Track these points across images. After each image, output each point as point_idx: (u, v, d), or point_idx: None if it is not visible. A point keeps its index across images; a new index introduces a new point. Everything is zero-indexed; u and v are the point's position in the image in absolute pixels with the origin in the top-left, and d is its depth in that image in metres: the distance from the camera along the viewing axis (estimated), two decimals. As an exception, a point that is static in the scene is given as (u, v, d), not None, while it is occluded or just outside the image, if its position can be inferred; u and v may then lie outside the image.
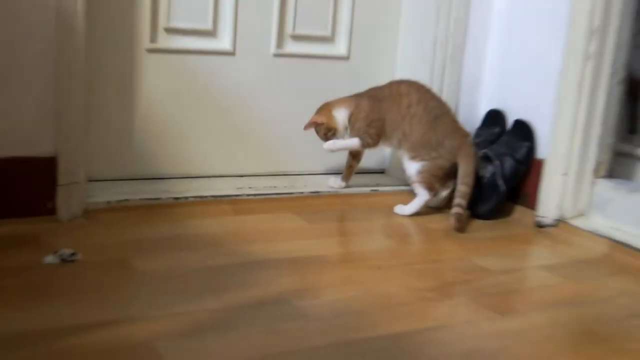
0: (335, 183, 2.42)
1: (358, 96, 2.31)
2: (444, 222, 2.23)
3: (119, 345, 1.33)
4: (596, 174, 2.23)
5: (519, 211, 2.36)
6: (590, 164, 2.22)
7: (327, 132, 2.27)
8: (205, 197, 2.20)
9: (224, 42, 2.33)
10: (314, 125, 2.27)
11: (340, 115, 2.28)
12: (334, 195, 2.40)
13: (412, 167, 2.29)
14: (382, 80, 2.42)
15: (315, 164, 2.45)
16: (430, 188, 2.26)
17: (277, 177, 2.47)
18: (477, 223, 2.26)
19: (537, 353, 1.44)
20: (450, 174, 2.26)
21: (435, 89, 2.47)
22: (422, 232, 2.15)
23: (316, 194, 2.37)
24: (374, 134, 2.28)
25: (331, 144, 2.27)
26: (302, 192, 2.36)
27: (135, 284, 1.61)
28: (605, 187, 2.21)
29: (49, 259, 1.66)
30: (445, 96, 2.48)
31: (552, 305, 1.68)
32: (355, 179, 2.49)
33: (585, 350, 1.46)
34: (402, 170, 2.36)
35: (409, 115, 2.26)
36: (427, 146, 2.25)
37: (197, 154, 2.34)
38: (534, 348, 1.45)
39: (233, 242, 1.91)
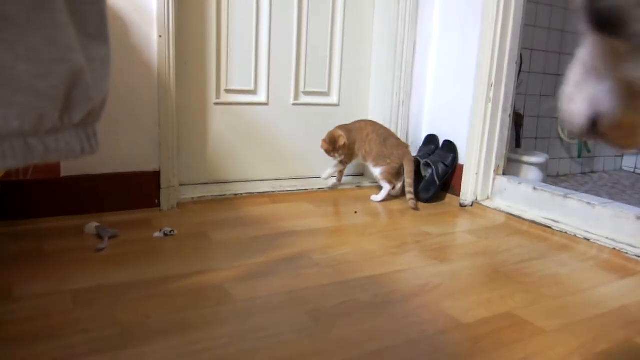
0: (325, 174, 2.40)
1: (340, 128, 2.31)
2: (401, 205, 2.23)
3: (203, 287, 1.33)
4: (496, 172, 2.23)
5: (449, 197, 2.35)
6: (492, 167, 2.22)
7: (343, 148, 2.27)
8: (253, 193, 2.20)
9: (261, 96, 2.32)
10: (344, 145, 2.27)
11: None
12: (332, 190, 2.39)
13: (376, 171, 2.30)
14: (361, 118, 2.42)
15: (320, 170, 2.43)
16: (390, 182, 2.27)
17: (297, 179, 2.46)
18: (423, 205, 2.26)
19: (464, 284, 1.43)
20: (400, 173, 2.28)
21: (393, 121, 2.48)
22: (388, 212, 2.15)
23: (321, 190, 2.37)
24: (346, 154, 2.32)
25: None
26: (312, 189, 2.35)
27: (212, 248, 1.61)
28: (502, 181, 2.21)
29: (157, 234, 1.67)
30: (400, 126, 2.49)
31: (471, 255, 1.68)
32: (345, 179, 2.49)
33: (494, 282, 1.46)
34: (372, 174, 2.35)
35: (368, 140, 2.28)
36: (382, 157, 2.27)
37: (247, 166, 2.34)
38: (462, 282, 1.45)
39: (271, 220, 1.92)
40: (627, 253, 1.66)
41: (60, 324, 1.10)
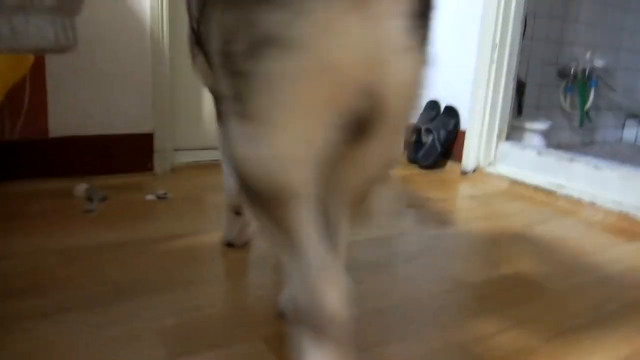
0: None
1: None
2: (401, 171, 2.18)
3: (198, 246, 1.28)
4: (499, 137, 2.16)
5: (451, 164, 2.29)
6: (495, 132, 2.15)
7: None
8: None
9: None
10: None
11: None
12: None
13: None
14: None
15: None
16: None
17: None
18: (423, 172, 2.20)
19: (468, 247, 1.39)
20: None
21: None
22: (393, 178, 2.09)
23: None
24: None
25: None
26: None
27: (207, 211, 1.56)
28: (506, 146, 2.15)
29: (150, 196, 1.61)
30: (401, 92, 2.41)
31: (475, 219, 1.63)
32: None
33: (499, 245, 1.41)
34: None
35: None
36: None
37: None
38: (466, 244, 1.41)
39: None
40: (634, 216, 1.61)
41: (49, 280, 1.04)
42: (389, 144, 0.65)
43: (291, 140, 0.58)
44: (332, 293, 0.67)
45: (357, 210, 0.76)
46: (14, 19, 0.43)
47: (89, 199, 1.54)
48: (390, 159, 0.70)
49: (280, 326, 0.93)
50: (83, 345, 0.83)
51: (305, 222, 0.64)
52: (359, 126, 0.59)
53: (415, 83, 0.63)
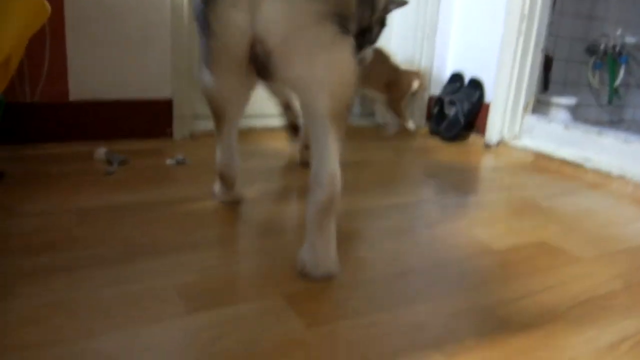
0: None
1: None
2: (423, 142, 2.14)
3: (215, 209, 1.28)
4: (525, 111, 2.10)
5: (474, 137, 2.24)
6: (521, 104, 2.09)
7: None
8: (269, 127, 2.11)
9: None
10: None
11: None
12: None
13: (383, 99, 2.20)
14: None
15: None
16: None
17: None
18: (445, 144, 2.15)
19: (492, 215, 1.35)
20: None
21: (416, 57, 2.35)
22: (407, 148, 2.04)
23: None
24: None
25: None
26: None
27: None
28: (531, 119, 2.09)
29: (169, 161, 1.60)
30: (423, 62, 2.36)
31: (498, 189, 1.59)
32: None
33: (524, 214, 1.37)
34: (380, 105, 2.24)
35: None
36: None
37: (264, 100, 2.23)
38: (489, 212, 1.37)
39: (287, 153, 1.84)
40: (666, 190, 1.55)
41: (65, 238, 1.04)
42: (288, 68, 0.92)
43: (222, 80, 1.06)
44: (223, 156, 1.24)
45: (337, 124, 0.99)
46: None
47: (109, 162, 1.54)
48: (333, 80, 0.93)
49: (300, 284, 0.91)
50: (99, 300, 0.82)
51: (228, 125, 1.19)
52: (263, 63, 0.91)
53: (284, 20, 0.87)
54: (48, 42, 1.61)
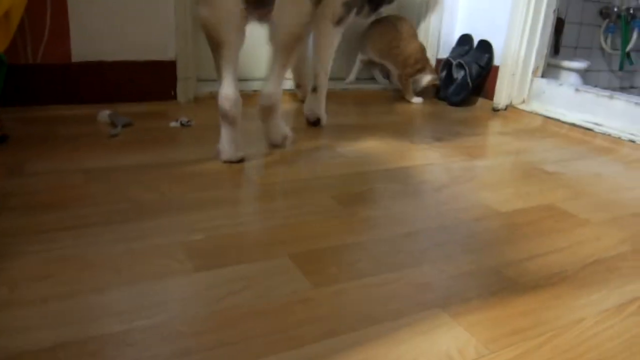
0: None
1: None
2: (431, 107, 2.11)
3: (221, 170, 1.27)
4: (534, 74, 2.07)
5: (481, 101, 2.21)
6: (531, 67, 2.06)
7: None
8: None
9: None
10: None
11: None
12: (356, 91, 2.25)
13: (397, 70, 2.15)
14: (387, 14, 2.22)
15: (344, 72, 2.28)
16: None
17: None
18: (452, 108, 2.13)
19: (499, 178, 1.34)
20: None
21: (423, 19, 2.30)
22: (416, 112, 2.02)
23: (345, 90, 2.22)
24: None
25: None
26: (334, 89, 2.20)
27: (231, 138, 1.53)
28: (541, 83, 2.05)
29: (173, 124, 1.59)
30: (431, 24, 2.31)
31: (506, 153, 1.57)
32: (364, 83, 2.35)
33: (532, 177, 1.36)
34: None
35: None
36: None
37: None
38: (497, 176, 1.36)
39: (292, 116, 1.83)
40: (676, 155, 1.54)
41: (71, 197, 1.04)
42: (282, 13, 1.24)
43: (216, 9, 1.22)
44: (224, 90, 1.28)
45: (285, 54, 1.31)
46: None
47: (113, 124, 1.53)
48: (289, 23, 1.27)
49: (307, 244, 0.91)
50: (107, 257, 0.83)
51: (226, 57, 1.27)
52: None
53: None
54: (49, 1, 1.58)
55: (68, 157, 1.26)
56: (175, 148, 1.39)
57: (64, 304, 0.69)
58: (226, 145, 1.30)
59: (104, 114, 1.57)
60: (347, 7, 1.68)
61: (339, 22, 1.71)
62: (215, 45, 1.26)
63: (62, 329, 0.65)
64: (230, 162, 1.30)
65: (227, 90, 1.28)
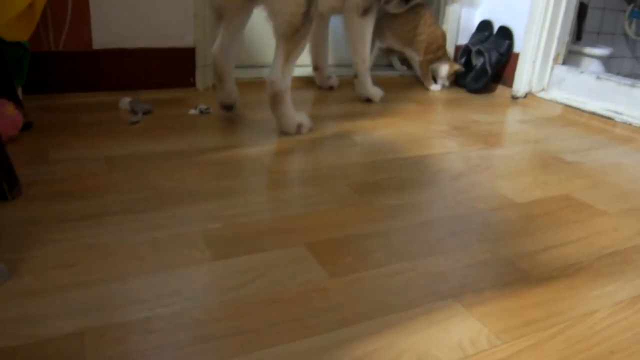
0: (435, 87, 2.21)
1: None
2: (450, 94, 2.10)
3: (240, 159, 1.28)
4: (555, 61, 2.04)
5: (500, 89, 2.19)
6: (552, 55, 2.03)
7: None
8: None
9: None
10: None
11: None
12: (374, 77, 2.24)
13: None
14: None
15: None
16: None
17: (338, 67, 2.29)
18: (471, 95, 2.11)
19: (517, 167, 1.34)
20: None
21: (442, 4, 2.27)
22: (434, 99, 2.01)
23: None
24: None
25: None
26: (350, 75, 2.20)
27: (249, 126, 1.55)
28: (562, 70, 2.02)
29: (192, 111, 1.61)
30: (451, 9, 2.28)
31: (525, 142, 1.56)
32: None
33: (550, 167, 1.36)
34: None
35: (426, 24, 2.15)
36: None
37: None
38: (515, 165, 1.35)
39: (310, 103, 1.83)
40: (699, 145, 1.51)
41: (93, 185, 1.07)
42: (275, 2, 1.33)
43: None
44: (216, 46, 1.50)
45: (285, 43, 1.37)
46: None
47: (133, 111, 1.55)
48: (283, 12, 1.33)
49: (323, 234, 0.92)
50: (129, 245, 0.85)
51: (224, 25, 1.47)
52: None
53: None
54: (70, -11, 1.60)
55: (90, 144, 1.29)
56: (194, 135, 1.41)
57: (88, 292, 0.72)
58: (221, 94, 1.57)
59: (125, 101, 1.59)
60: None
61: (364, 13, 1.74)
62: (217, 15, 1.49)
63: (87, 316, 0.67)
64: (223, 106, 1.59)
65: (219, 47, 1.49)
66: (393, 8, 2.04)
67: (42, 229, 0.88)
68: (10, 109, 1.24)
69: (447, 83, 2.16)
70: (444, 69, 2.13)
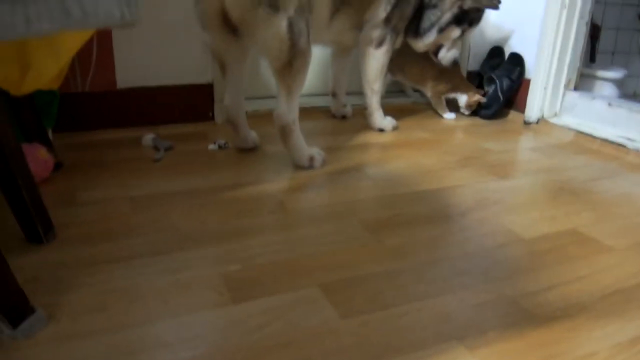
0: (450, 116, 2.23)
1: None
2: (462, 121, 2.15)
3: (257, 196, 1.35)
4: (567, 87, 2.08)
5: (512, 114, 2.24)
6: (563, 80, 2.07)
7: None
8: (308, 107, 2.15)
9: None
10: None
11: None
12: (388, 105, 2.31)
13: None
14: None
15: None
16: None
17: (355, 95, 2.36)
18: (483, 122, 2.16)
19: (526, 200, 1.38)
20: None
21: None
22: (446, 128, 2.06)
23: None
24: None
25: None
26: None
27: (266, 161, 1.62)
28: (573, 96, 2.07)
29: (211, 146, 1.69)
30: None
31: (535, 172, 1.61)
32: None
33: (559, 199, 1.40)
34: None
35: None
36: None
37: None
38: (524, 198, 1.40)
39: (326, 134, 1.90)
40: None
41: (120, 227, 1.14)
42: (247, 34, 1.40)
43: (213, 37, 1.48)
44: (225, 100, 1.60)
45: (281, 78, 1.42)
46: (84, 2, 0.47)
47: (156, 148, 1.64)
48: (267, 49, 1.38)
49: (335, 274, 0.98)
50: (156, 288, 0.92)
51: (229, 75, 1.57)
52: (235, 28, 1.40)
53: (236, 3, 1.34)
54: (95, 36, 1.70)
55: (116, 183, 1.37)
56: (213, 172, 1.49)
57: (119, 336, 0.79)
58: (237, 140, 1.67)
59: (148, 138, 1.68)
60: (386, 31, 1.78)
61: (378, 45, 1.81)
62: (220, 65, 1.57)
63: (118, 359, 0.74)
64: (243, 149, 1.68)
65: (230, 100, 1.59)
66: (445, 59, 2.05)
67: (74, 272, 0.96)
68: (42, 153, 1.33)
69: (466, 112, 2.20)
70: (462, 99, 2.18)
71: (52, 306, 0.85)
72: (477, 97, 2.15)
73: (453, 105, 2.23)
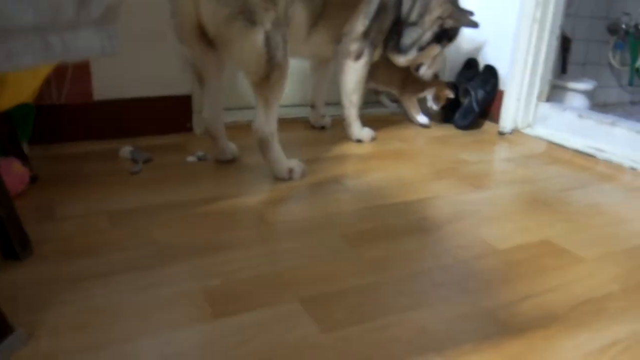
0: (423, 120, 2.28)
1: None
2: (438, 131, 2.19)
3: (236, 209, 1.36)
4: (539, 99, 2.14)
5: (487, 125, 2.29)
6: (535, 92, 2.13)
7: None
8: (287, 118, 2.13)
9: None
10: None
11: None
12: (366, 116, 2.34)
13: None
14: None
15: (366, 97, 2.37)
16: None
17: (334, 105, 2.38)
18: (459, 132, 2.21)
19: (501, 211, 1.42)
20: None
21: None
22: (422, 138, 2.10)
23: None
24: None
25: None
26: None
27: (245, 173, 1.63)
28: (545, 108, 2.13)
29: (190, 158, 1.69)
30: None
31: (510, 182, 1.65)
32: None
33: (533, 210, 1.44)
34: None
35: None
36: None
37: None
38: (498, 209, 1.44)
39: (304, 145, 1.92)
40: (675, 183, 1.60)
41: (98, 242, 1.14)
42: (223, 48, 1.42)
43: (190, 49, 1.50)
44: (203, 113, 1.61)
45: (258, 91, 1.45)
46: (65, 36, 0.48)
47: (134, 160, 1.63)
48: (242, 62, 1.42)
49: (316, 288, 1.00)
50: (135, 305, 0.92)
51: (207, 87, 1.59)
52: (211, 41, 1.41)
53: (211, 16, 1.35)
54: (72, 44, 1.70)
55: (93, 197, 1.37)
56: (192, 185, 1.49)
57: (100, 355, 0.79)
58: (217, 152, 1.68)
59: (126, 150, 1.67)
60: (364, 44, 1.81)
61: (357, 57, 1.84)
62: (197, 76, 1.58)
63: (99, 377, 0.75)
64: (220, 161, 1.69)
65: (208, 111, 1.60)
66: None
67: (53, 289, 0.96)
68: (17, 167, 1.32)
69: (435, 106, 2.23)
70: (430, 94, 2.22)
71: (32, 324, 0.85)
72: (446, 91, 2.19)
73: (427, 109, 2.28)
